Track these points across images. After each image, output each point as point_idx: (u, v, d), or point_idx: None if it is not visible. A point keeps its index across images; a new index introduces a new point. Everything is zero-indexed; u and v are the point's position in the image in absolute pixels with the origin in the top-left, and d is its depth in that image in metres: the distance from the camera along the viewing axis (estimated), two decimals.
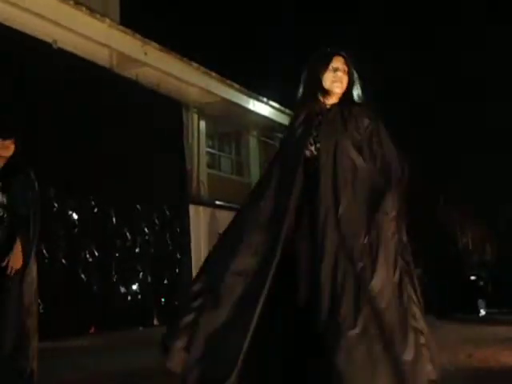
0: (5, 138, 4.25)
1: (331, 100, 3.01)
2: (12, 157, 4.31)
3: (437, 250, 10.40)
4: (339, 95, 3.01)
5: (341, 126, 2.90)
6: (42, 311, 7.51)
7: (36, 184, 4.27)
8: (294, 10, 17.42)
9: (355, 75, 3.05)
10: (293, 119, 3.13)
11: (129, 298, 9.27)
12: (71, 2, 9.25)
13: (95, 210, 8.78)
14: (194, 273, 10.83)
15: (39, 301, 7.38)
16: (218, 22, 18.16)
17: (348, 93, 3.02)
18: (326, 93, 3.00)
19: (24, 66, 8.01)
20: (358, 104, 3.04)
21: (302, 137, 2.96)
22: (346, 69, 3.01)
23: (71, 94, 8.55)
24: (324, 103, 3.01)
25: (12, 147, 4.29)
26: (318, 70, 3.01)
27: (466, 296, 9.80)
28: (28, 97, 7.95)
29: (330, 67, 2.99)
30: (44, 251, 7.75)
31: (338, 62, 3.00)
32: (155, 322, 9.69)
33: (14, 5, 8.34)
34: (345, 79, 3.00)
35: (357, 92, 3.06)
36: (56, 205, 8.12)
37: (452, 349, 5.65)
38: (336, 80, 2.98)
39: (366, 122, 2.91)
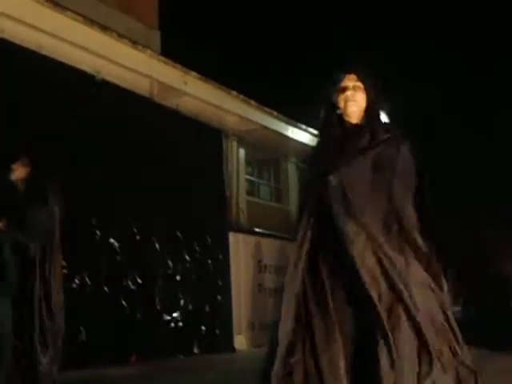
0: (15, 160, 4.23)
1: (352, 120, 2.90)
2: (31, 180, 4.28)
3: (482, 278, 10.19)
4: (359, 114, 2.89)
5: (359, 151, 2.78)
6: (83, 339, 7.58)
7: (56, 209, 4.18)
8: (330, 38, 17.47)
9: (375, 90, 2.94)
10: (313, 148, 3.09)
11: (171, 325, 9.27)
12: (114, 34, 9.47)
13: (137, 237, 8.84)
14: (234, 300, 10.79)
15: (82, 328, 7.49)
16: (256, 50, 18.34)
17: (370, 109, 2.90)
18: (344, 115, 2.90)
19: (68, 96, 8.18)
20: (383, 124, 2.93)
21: (320, 164, 2.88)
22: (361, 85, 2.90)
23: (113, 123, 8.70)
24: (345, 126, 2.91)
25: (25, 169, 4.25)
26: (331, 94, 2.95)
27: None
28: (71, 126, 8.11)
29: (341, 87, 2.90)
30: (86, 279, 7.83)
31: (348, 81, 2.91)
32: (195, 350, 9.64)
33: (58, 38, 8.57)
34: (359, 96, 2.89)
35: (381, 108, 2.99)
36: (98, 233, 8.21)
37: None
38: (348, 99, 2.88)
39: (391, 149, 2.77)
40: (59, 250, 4.65)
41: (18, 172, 4.42)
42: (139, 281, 8.72)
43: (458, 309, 10.20)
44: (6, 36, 7.75)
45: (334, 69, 3.03)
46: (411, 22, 17.81)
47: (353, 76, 2.92)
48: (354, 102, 2.88)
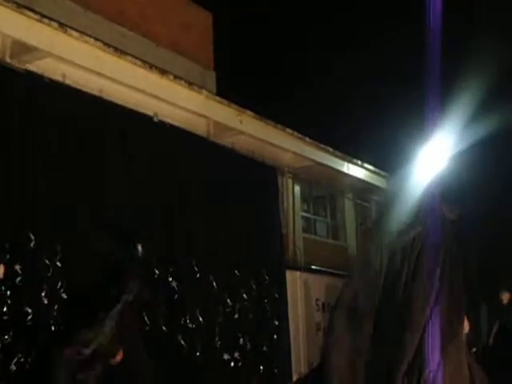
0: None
1: None
2: None
3: None
4: None
5: None
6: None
7: None
8: (391, 73, 17.42)
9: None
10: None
11: (231, 364, 9.20)
12: (171, 77, 9.68)
13: (197, 275, 8.88)
14: (293, 339, 10.65)
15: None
16: (309, 87, 18.43)
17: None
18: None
19: (127, 139, 8.38)
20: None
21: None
22: None
23: (172, 163, 8.84)
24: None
25: None
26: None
27: None
28: (132, 168, 8.29)
29: None
30: (145, 318, 7.88)
31: None
32: None
33: (117, 81, 8.81)
34: None
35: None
36: (157, 272, 8.28)
37: None
38: None
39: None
40: None
41: None
42: (200, 319, 8.72)
43: None
44: (67, 81, 8.02)
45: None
46: None
47: None
48: None
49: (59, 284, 6.86)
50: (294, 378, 10.39)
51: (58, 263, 6.91)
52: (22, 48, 7.68)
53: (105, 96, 8.40)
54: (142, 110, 9.00)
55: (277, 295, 10.61)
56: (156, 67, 9.37)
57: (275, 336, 10.36)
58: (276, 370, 10.08)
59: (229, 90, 11.81)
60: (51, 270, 6.84)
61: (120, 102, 8.58)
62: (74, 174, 7.38)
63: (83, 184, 7.49)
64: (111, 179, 7.92)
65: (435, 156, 4.01)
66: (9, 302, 6.39)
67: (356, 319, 2.91)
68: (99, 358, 5.35)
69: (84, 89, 8.11)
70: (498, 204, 14.16)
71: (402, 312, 2.85)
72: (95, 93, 8.29)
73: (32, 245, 6.73)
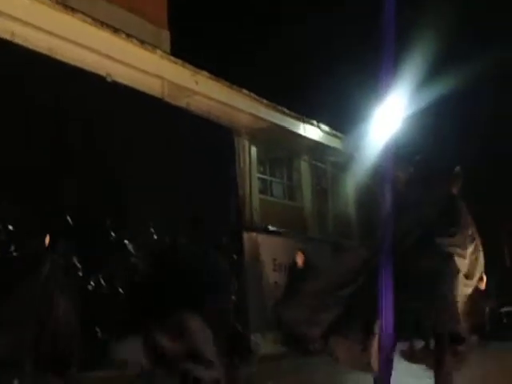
0: None
1: None
2: None
3: None
4: None
5: None
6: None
7: None
8: (345, 35, 17.39)
9: None
10: None
11: None
12: (123, 35, 9.46)
13: (153, 237, 8.85)
14: (250, 299, 10.76)
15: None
16: (266, 49, 18.29)
17: None
18: None
19: (79, 99, 8.19)
20: None
21: None
22: None
23: (125, 124, 8.70)
24: None
25: None
26: None
27: None
28: (84, 128, 8.13)
29: None
30: (102, 280, 7.85)
31: None
32: None
33: (67, 40, 8.57)
34: None
35: None
36: (113, 234, 8.21)
37: None
38: None
39: None
40: None
41: None
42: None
43: None
44: (16, 39, 7.76)
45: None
46: None
47: None
48: None
49: None
50: (253, 337, 10.54)
51: None
52: None
53: (55, 55, 8.17)
54: (94, 70, 8.79)
55: (234, 256, 10.67)
56: (107, 25, 9.14)
57: (233, 296, 10.43)
58: (234, 330, 10.19)
59: (184, 50, 11.61)
60: None
61: (71, 62, 8.36)
62: (21, 136, 7.19)
63: (31, 145, 7.32)
64: (63, 142, 7.76)
65: (389, 117, 4.09)
66: None
67: None
68: None
69: (33, 48, 7.86)
70: (450, 164, 14.45)
71: None
72: (45, 52, 8.06)
73: None
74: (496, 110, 15.89)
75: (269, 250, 12.03)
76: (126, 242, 8.41)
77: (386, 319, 3.71)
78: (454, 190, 4.78)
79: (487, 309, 9.60)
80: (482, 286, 5.14)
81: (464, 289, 4.45)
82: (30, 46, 7.79)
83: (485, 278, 5.04)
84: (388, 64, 3.88)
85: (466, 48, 14.87)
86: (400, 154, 3.82)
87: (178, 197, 9.34)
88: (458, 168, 4.85)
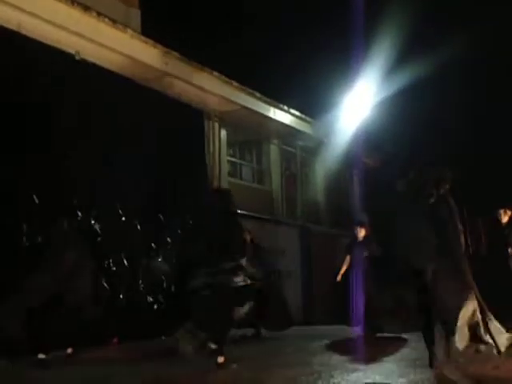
0: None
1: None
2: None
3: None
4: None
5: None
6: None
7: None
8: (316, 22, 17.40)
9: None
10: None
11: (154, 307, 9.29)
12: (94, 14, 9.32)
13: (122, 219, 8.82)
14: None
15: None
16: (239, 32, 18.20)
17: None
18: None
19: (47, 77, 8.08)
20: None
21: None
22: None
23: (94, 103, 8.62)
24: None
25: None
26: None
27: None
28: (52, 107, 8.02)
29: None
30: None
31: None
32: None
33: (36, 16, 8.42)
34: None
35: None
36: (80, 214, 8.15)
37: (480, 360, 5.57)
38: None
39: None
40: None
41: None
42: (124, 263, 8.71)
43: None
44: None
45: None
46: None
47: None
48: None
49: None
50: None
51: None
52: None
53: (24, 31, 8.03)
54: (63, 47, 8.67)
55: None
56: (78, 3, 9.00)
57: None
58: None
59: (155, 30, 11.48)
60: None
61: (40, 39, 8.23)
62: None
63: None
64: (30, 120, 7.66)
65: (359, 103, 4.15)
66: None
67: None
68: None
69: (1, 23, 7.72)
70: (419, 150, 14.66)
71: None
72: (13, 27, 7.92)
73: None
74: (464, 97, 16.11)
75: None
76: (93, 223, 8.37)
77: None
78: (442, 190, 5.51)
79: None
80: None
81: None
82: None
83: None
84: (358, 50, 3.93)
85: (434, 34, 15.02)
86: (369, 140, 3.90)
87: (146, 180, 9.31)
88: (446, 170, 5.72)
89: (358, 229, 9.42)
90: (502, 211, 10.20)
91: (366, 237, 9.36)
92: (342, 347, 7.80)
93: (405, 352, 7.07)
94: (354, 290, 8.80)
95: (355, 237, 9.44)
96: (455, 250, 5.30)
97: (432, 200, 5.43)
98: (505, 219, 10.17)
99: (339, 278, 9.32)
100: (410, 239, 5.37)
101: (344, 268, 9.33)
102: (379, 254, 9.08)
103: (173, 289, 9.69)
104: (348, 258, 9.38)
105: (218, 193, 7.44)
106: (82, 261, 6.86)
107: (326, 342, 8.22)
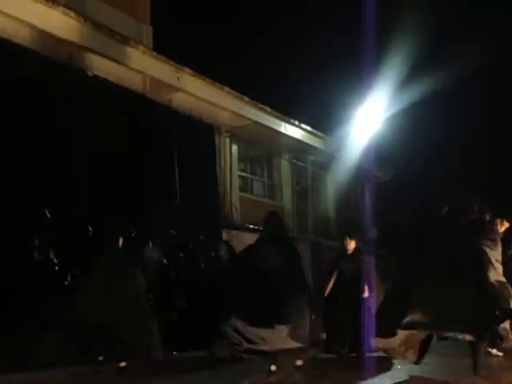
0: None
1: None
2: None
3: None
4: None
5: None
6: None
7: None
8: (328, 37, 17.48)
9: None
10: None
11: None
12: (106, 31, 9.41)
13: (133, 234, 8.81)
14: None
15: None
16: (250, 47, 18.30)
17: None
18: None
19: (60, 93, 8.14)
20: None
21: None
22: None
23: (106, 119, 8.66)
24: None
25: None
26: None
27: None
28: (64, 124, 8.08)
29: None
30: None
31: None
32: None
33: (49, 34, 8.50)
34: None
35: None
36: (91, 229, 8.17)
37: (495, 376, 5.53)
38: None
39: None
40: None
41: None
42: None
43: None
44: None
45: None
46: None
47: None
48: None
49: None
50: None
51: None
52: None
53: (30, 45, 8.14)
54: (76, 63, 8.74)
55: (213, 254, 10.65)
56: (90, 20, 9.09)
57: (212, 295, 10.41)
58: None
59: (167, 46, 11.57)
60: None
61: (53, 56, 8.30)
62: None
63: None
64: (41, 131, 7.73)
65: (370, 118, 4.15)
66: None
67: None
68: None
69: (12, 38, 7.83)
70: (428, 164, 14.63)
71: None
72: (22, 43, 8.02)
73: None
74: (474, 112, 16.08)
75: None
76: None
77: None
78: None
79: None
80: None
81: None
82: (10, 37, 7.74)
83: None
84: (369, 66, 3.93)
85: (445, 49, 15.03)
86: (380, 155, 3.92)
87: (158, 194, 9.33)
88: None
89: (348, 240, 8.49)
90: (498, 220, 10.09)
91: (355, 249, 8.49)
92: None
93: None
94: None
95: (344, 249, 8.53)
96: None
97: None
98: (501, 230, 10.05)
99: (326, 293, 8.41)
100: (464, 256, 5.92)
101: (331, 284, 8.39)
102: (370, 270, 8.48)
103: (184, 305, 9.66)
104: (335, 272, 8.40)
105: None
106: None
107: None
